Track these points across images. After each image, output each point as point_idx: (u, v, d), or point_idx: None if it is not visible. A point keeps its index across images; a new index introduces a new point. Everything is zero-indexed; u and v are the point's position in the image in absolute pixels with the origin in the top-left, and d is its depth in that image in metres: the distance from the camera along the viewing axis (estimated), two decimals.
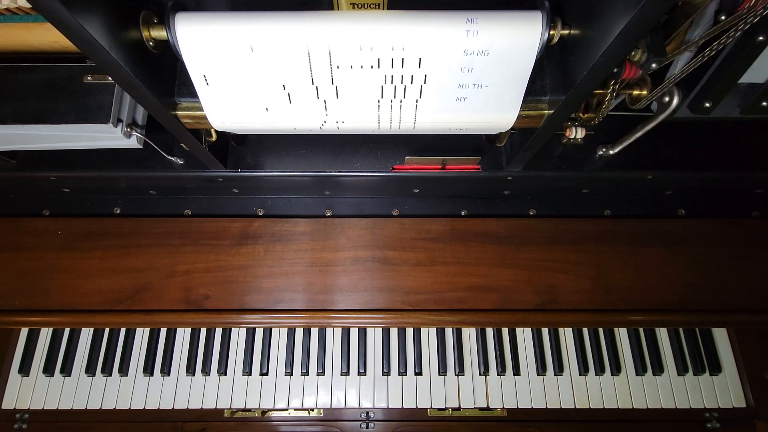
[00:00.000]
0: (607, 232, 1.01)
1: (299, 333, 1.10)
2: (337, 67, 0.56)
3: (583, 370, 1.06)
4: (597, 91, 0.66)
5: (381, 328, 1.09)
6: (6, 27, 0.69)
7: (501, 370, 1.07)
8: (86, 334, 1.10)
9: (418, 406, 1.05)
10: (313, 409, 1.06)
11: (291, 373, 1.06)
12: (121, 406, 1.05)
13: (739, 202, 1.07)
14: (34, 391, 1.06)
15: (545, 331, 1.10)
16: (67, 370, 1.07)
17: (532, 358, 1.08)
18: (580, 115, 0.73)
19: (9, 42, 0.72)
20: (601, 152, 0.86)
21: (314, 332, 1.10)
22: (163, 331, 1.10)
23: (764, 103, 0.76)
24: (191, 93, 0.63)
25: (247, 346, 1.08)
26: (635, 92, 0.69)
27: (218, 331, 1.10)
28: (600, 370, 1.07)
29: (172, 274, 0.98)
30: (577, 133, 0.77)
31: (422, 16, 0.52)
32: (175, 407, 1.04)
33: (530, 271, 0.99)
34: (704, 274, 0.99)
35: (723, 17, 0.58)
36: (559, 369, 1.07)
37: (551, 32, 0.54)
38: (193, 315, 0.96)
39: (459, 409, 1.05)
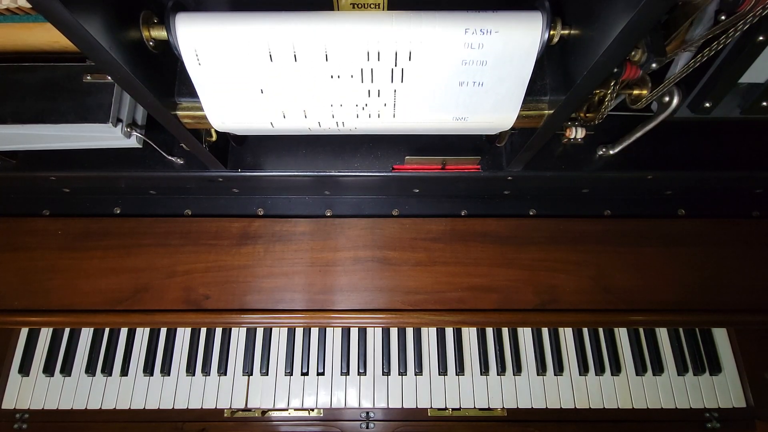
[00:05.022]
0: (607, 232, 1.01)
1: (299, 333, 1.10)
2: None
3: (583, 370, 1.06)
4: (597, 91, 0.66)
5: (381, 328, 1.09)
6: (6, 27, 0.69)
7: (501, 370, 1.07)
8: (86, 334, 1.10)
9: (418, 406, 1.05)
10: (313, 409, 1.06)
11: (291, 373, 1.06)
12: (121, 406, 1.05)
13: (739, 202, 1.07)
14: (34, 391, 1.06)
15: (545, 331, 1.10)
16: (67, 370, 1.07)
17: (532, 358, 1.08)
18: (580, 115, 0.73)
19: (9, 42, 0.72)
20: (601, 152, 0.86)
21: (314, 332, 1.10)
22: (163, 331, 1.10)
23: (764, 103, 0.76)
24: (191, 93, 0.63)
25: (247, 346, 1.08)
26: (635, 92, 0.69)
27: (218, 331, 1.10)
28: (600, 370, 1.07)
29: (172, 274, 0.98)
30: (577, 133, 0.77)
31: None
32: (175, 407, 1.04)
33: (530, 271, 0.99)
34: (704, 274, 0.99)
35: (723, 17, 0.58)
36: (559, 369, 1.07)
37: (551, 32, 0.54)
38: (193, 315, 0.96)
39: (459, 409, 1.05)
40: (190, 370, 1.07)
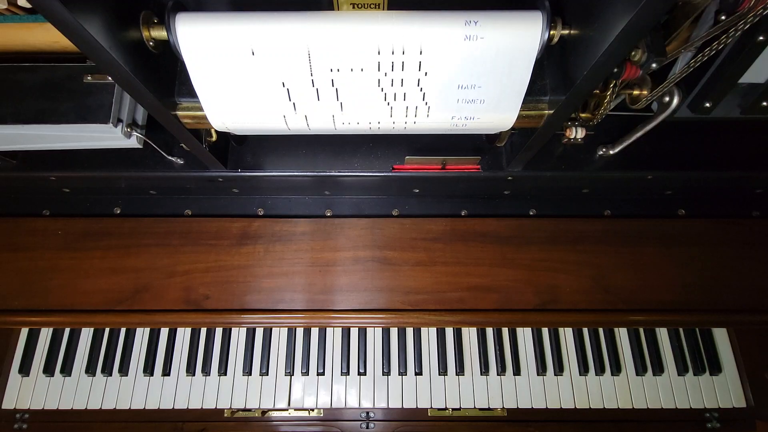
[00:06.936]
0: (607, 232, 1.01)
1: (299, 333, 1.10)
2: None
3: (583, 370, 1.06)
4: (597, 91, 0.66)
5: (381, 328, 1.09)
6: (6, 27, 0.69)
7: (501, 370, 1.07)
8: (86, 334, 1.10)
9: (418, 406, 1.04)
10: (313, 409, 1.06)
11: (291, 373, 1.06)
12: (121, 406, 1.04)
13: (739, 202, 1.07)
14: (34, 391, 1.06)
15: (545, 331, 1.10)
16: (67, 370, 1.07)
17: (532, 358, 1.08)
18: (580, 115, 0.73)
19: (9, 42, 0.72)
20: (601, 152, 0.86)
21: (314, 332, 1.10)
22: (164, 331, 1.10)
23: (764, 103, 0.76)
24: (191, 93, 0.63)
25: (247, 346, 1.08)
26: (635, 92, 0.69)
27: (218, 331, 1.10)
28: (600, 370, 1.07)
29: (172, 274, 0.98)
30: (577, 133, 0.77)
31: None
32: (175, 407, 1.04)
33: (530, 271, 0.99)
34: (704, 274, 0.99)
35: (723, 17, 0.58)
36: (559, 369, 1.07)
37: (551, 32, 0.54)
38: (193, 315, 0.96)
39: (459, 409, 1.05)
40: (190, 370, 1.06)
